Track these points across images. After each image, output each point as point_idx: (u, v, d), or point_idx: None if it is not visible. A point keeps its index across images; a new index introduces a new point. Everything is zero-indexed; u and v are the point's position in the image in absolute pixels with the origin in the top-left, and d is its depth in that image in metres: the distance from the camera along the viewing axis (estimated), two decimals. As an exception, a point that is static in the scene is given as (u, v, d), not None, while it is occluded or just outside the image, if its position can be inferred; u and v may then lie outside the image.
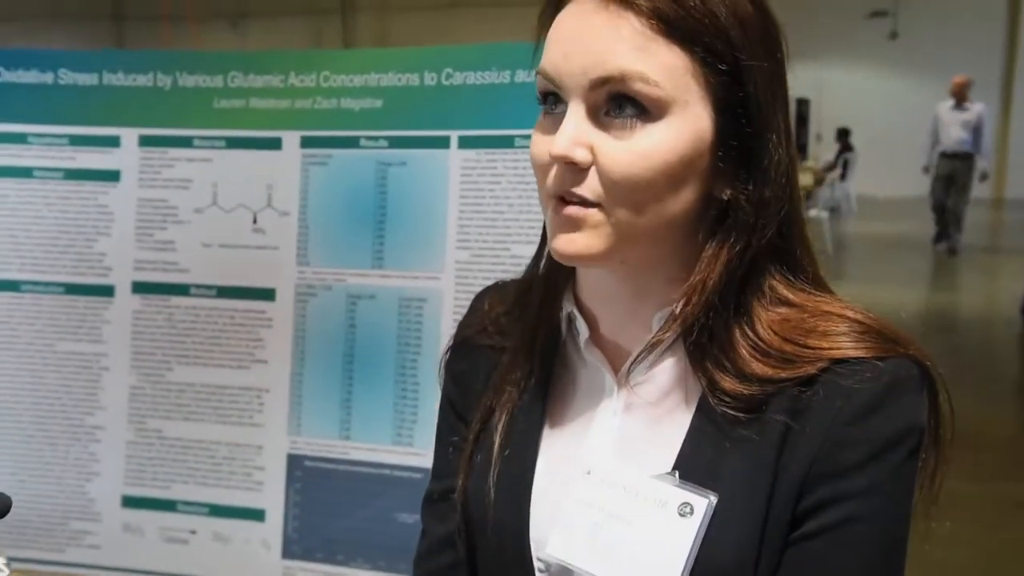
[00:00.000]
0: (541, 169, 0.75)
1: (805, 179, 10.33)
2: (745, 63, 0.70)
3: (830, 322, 0.74)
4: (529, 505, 0.82)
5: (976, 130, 9.19)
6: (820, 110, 13.36)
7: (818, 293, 0.77)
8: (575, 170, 0.72)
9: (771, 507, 0.72)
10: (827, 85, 13.25)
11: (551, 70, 0.73)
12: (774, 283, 0.75)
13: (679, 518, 0.72)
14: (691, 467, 0.74)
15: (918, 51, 14.09)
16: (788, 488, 0.71)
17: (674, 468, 0.75)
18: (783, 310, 0.75)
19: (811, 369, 0.72)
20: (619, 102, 0.70)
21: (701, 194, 0.73)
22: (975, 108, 9.24)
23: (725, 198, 0.73)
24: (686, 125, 0.70)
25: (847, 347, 0.72)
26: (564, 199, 0.73)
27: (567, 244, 0.73)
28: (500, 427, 0.84)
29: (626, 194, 0.71)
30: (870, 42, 14.14)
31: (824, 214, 10.20)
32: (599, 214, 0.72)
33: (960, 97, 9.29)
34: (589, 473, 0.78)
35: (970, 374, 4.85)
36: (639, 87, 0.69)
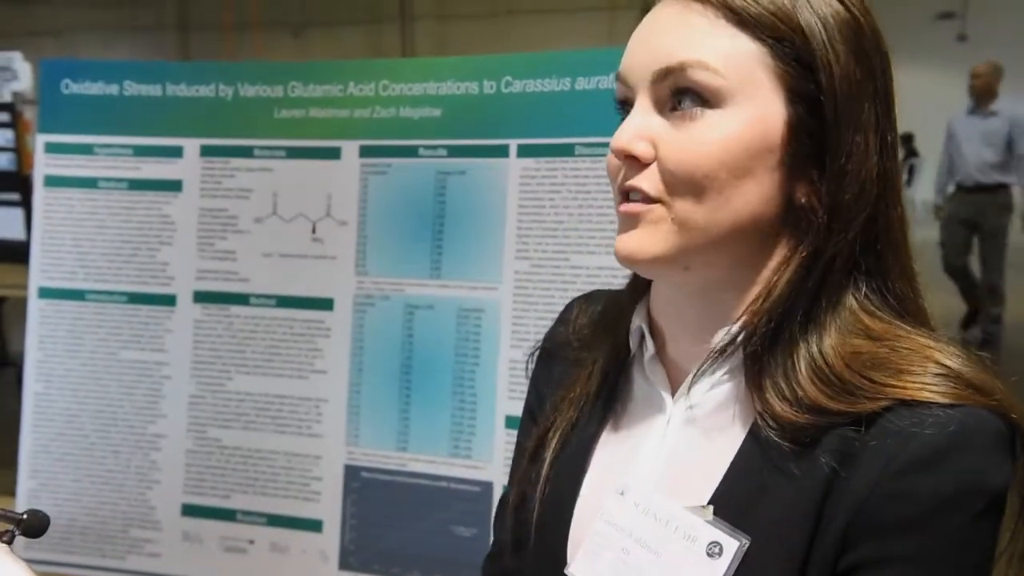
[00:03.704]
0: (612, 173, 0.72)
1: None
2: (821, 52, 0.66)
3: (906, 359, 0.66)
4: (570, 521, 0.79)
5: (1009, 147, 5.48)
6: (884, 114, 13.05)
7: (904, 325, 0.69)
8: (638, 165, 0.69)
9: (809, 559, 0.65)
10: (896, 81, 12.95)
11: (623, 68, 0.71)
12: (855, 305, 0.69)
13: (707, 558, 0.67)
14: (728, 502, 0.69)
15: (987, 54, 13.73)
16: (830, 540, 0.64)
17: (711, 501, 0.70)
18: (858, 341, 0.68)
19: (870, 406, 0.64)
20: (682, 95, 0.67)
21: (774, 195, 0.68)
22: (1006, 111, 5.56)
23: (803, 201, 0.68)
24: (751, 114, 0.66)
25: (915, 388, 0.64)
26: (627, 197, 0.70)
27: (624, 243, 0.70)
28: (553, 444, 0.82)
29: (685, 185, 0.67)
30: (937, 45, 13.81)
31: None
32: (660, 209, 0.68)
33: (982, 96, 5.59)
34: (623, 493, 0.74)
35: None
36: (699, 75, 0.66)
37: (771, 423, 0.67)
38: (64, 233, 1.57)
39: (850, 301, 0.69)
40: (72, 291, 1.56)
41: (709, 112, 0.67)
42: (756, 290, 0.70)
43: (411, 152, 1.45)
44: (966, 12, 13.58)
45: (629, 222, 0.70)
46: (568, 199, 1.36)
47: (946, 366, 0.65)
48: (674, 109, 0.68)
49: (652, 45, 0.69)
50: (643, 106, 0.69)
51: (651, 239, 0.69)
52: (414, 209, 1.44)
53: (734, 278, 0.71)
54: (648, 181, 0.68)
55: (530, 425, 0.90)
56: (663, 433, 0.76)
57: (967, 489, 0.62)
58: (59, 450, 1.56)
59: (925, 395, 0.63)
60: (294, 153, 1.50)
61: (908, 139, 12.39)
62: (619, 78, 0.72)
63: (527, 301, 1.37)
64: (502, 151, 1.40)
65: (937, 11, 13.51)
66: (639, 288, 0.81)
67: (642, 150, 0.68)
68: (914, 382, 0.64)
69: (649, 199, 0.69)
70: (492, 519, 0.97)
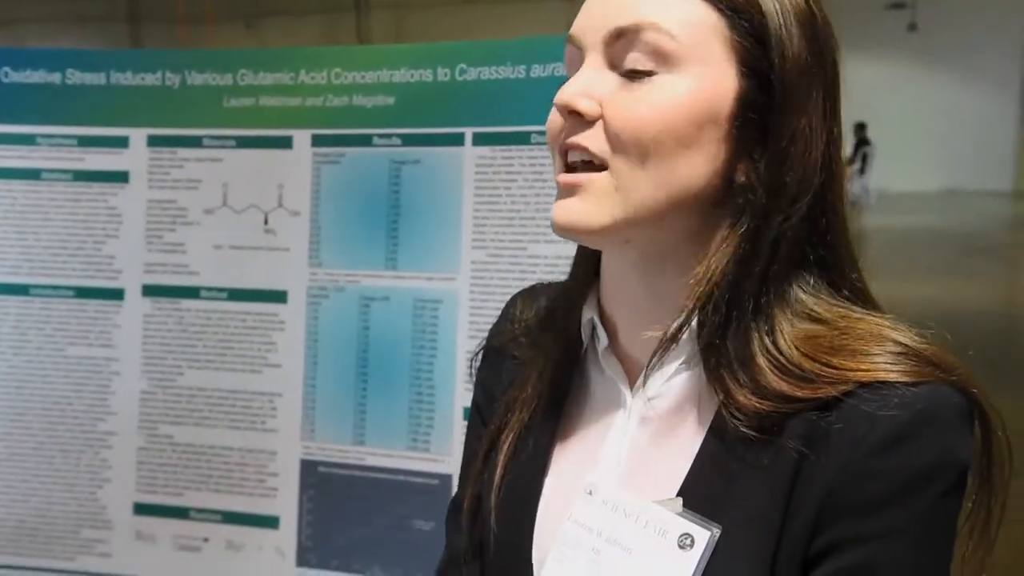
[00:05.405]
0: (553, 133, 0.71)
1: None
2: (776, 30, 0.66)
3: (863, 341, 0.66)
4: (533, 524, 0.77)
5: None
6: (837, 103, 13.24)
7: (856, 309, 0.69)
8: (582, 123, 0.67)
9: (781, 544, 0.64)
10: (844, 78, 13.13)
11: (575, 30, 0.70)
12: (802, 295, 0.68)
13: (679, 550, 0.66)
14: (697, 494, 0.68)
15: (937, 44, 13.95)
16: (801, 524, 0.64)
17: (679, 493, 0.69)
18: (810, 326, 0.67)
19: (833, 391, 0.64)
20: (634, 58, 0.66)
21: (719, 171, 0.67)
22: None
23: (743, 180, 0.67)
24: (701, 82, 0.66)
25: (877, 369, 0.63)
26: (568, 159, 0.69)
27: (564, 212, 0.68)
28: (508, 443, 0.80)
29: (631, 147, 0.66)
30: (888, 34, 14.00)
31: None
32: (604, 179, 0.67)
33: None
34: (590, 493, 0.73)
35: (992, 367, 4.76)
36: (652, 37, 0.65)
37: (735, 413, 0.66)
38: (6, 226, 1.52)
39: (797, 293, 0.68)
40: (16, 286, 1.52)
41: (659, 76, 0.66)
42: (700, 273, 0.69)
43: (365, 141, 1.42)
44: (916, 2, 13.79)
45: (570, 190, 0.68)
46: (524, 187, 1.35)
47: (903, 344, 0.65)
48: (625, 74, 0.67)
49: (607, 7, 0.68)
50: (592, 64, 0.68)
51: (594, 209, 0.67)
52: (368, 199, 1.42)
53: (678, 258, 0.70)
54: (592, 140, 0.67)
55: (480, 426, 0.88)
56: (624, 428, 0.74)
57: (937, 464, 0.62)
58: (6, 450, 1.52)
59: (887, 376, 0.63)
60: (244, 143, 1.47)
61: (861, 127, 12.56)
62: (570, 40, 0.70)
63: (484, 291, 1.36)
64: (457, 139, 1.38)
65: (888, 1, 13.70)
66: (586, 279, 0.79)
67: (586, 106, 0.67)
68: (874, 363, 0.64)
69: (591, 164, 0.67)
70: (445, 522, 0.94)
